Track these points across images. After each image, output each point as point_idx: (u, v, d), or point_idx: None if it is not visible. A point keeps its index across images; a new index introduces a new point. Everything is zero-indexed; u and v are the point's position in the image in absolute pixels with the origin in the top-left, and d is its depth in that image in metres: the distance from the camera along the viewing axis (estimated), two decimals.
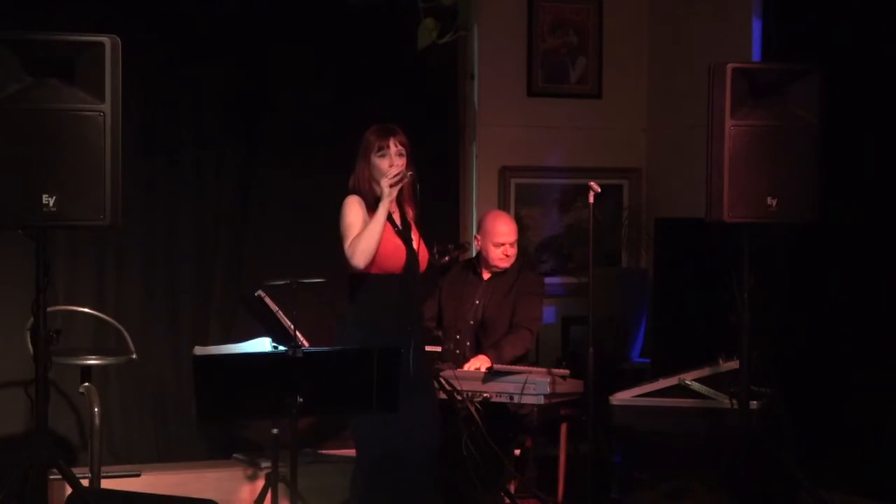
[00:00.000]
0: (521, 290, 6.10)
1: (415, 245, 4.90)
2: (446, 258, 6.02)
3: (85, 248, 6.45)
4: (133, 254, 6.56)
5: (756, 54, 6.66)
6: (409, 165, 4.85)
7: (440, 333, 6.08)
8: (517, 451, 6.08)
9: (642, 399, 5.67)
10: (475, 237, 6.29)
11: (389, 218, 4.84)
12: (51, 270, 4.77)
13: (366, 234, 4.74)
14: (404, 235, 4.88)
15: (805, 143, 5.23)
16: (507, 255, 6.11)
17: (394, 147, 4.84)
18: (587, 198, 5.68)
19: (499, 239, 6.05)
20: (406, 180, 4.83)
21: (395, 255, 4.82)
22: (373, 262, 4.78)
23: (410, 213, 4.99)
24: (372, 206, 4.84)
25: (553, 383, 5.71)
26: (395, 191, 4.79)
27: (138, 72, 5.98)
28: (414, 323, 4.89)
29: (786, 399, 5.71)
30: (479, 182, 7.26)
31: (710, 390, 5.55)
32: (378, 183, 4.83)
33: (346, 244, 4.78)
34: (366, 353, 4.41)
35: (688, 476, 5.58)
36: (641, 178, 7.59)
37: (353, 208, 4.84)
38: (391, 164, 4.82)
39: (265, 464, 5.98)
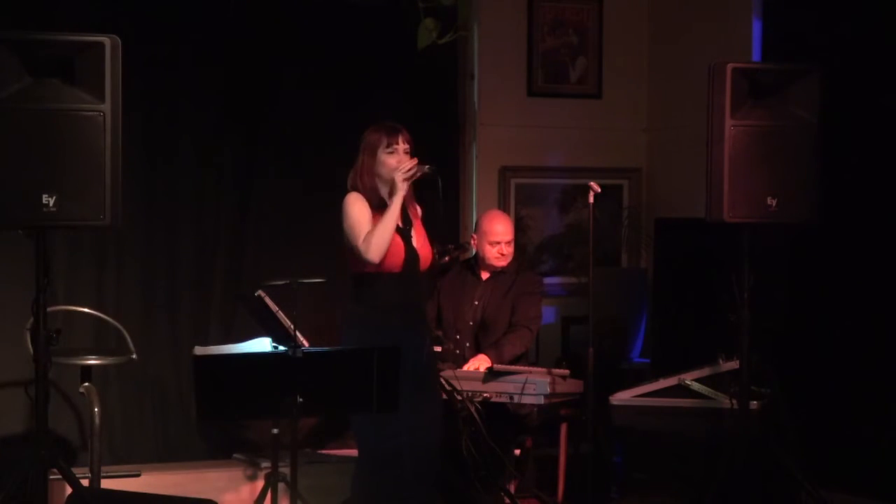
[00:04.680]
0: (520, 290, 6.11)
1: (415, 243, 4.89)
2: (446, 258, 6.02)
3: (85, 248, 6.45)
4: (133, 254, 6.55)
5: (756, 54, 6.66)
6: (424, 162, 4.85)
7: (440, 333, 6.09)
8: (517, 451, 6.08)
9: (642, 399, 5.67)
10: (472, 236, 6.29)
11: None
12: (51, 270, 4.77)
13: (380, 228, 4.74)
14: (404, 233, 4.88)
15: (805, 143, 5.23)
16: (503, 255, 6.11)
17: (402, 144, 4.85)
18: (587, 198, 5.69)
19: (494, 238, 6.05)
20: (421, 173, 4.82)
21: (394, 252, 4.81)
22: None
23: (418, 212, 4.98)
24: (373, 202, 4.83)
25: (553, 383, 5.71)
26: (407, 185, 4.79)
27: (138, 72, 6.00)
28: (416, 321, 4.89)
29: (786, 399, 5.71)
30: (479, 182, 7.27)
31: (710, 390, 5.55)
32: (382, 179, 4.84)
33: (359, 241, 4.77)
34: (366, 353, 4.41)
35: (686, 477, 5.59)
36: (641, 178, 7.59)
37: (357, 205, 4.83)
38: (399, 161, 4.82)
39: (265, 464, 5.98)
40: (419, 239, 4.93)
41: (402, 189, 4.77)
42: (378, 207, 4.83)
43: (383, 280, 4.82)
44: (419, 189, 5.00)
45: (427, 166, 4.83)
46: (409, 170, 4.79)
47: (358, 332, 4.86)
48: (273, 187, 6.79)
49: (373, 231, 4.75)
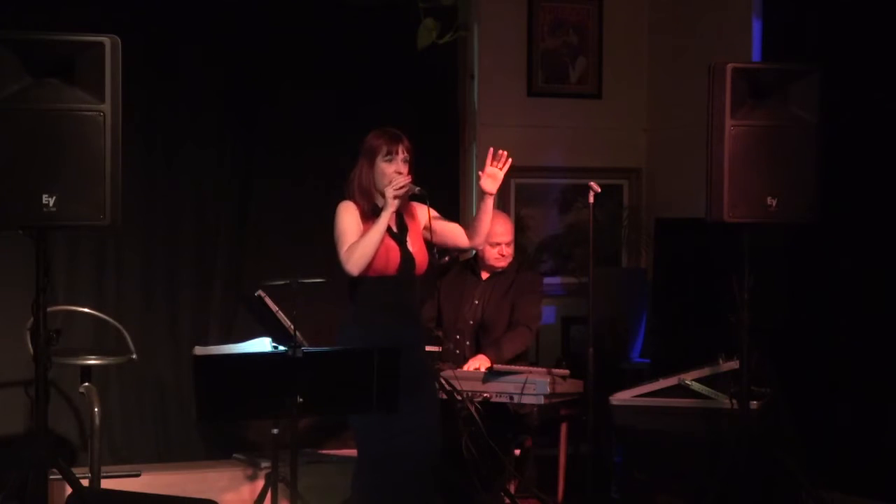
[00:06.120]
0: (520, 289, 6.11)
1: (411, 248, 4.89)
2: (447, 258, 6.03)
3: (85, 248, 6.45)
4: (133, 254, 6.56)
5: (756, 54, 6.66)
6: (413, 177, 4.86)
7: (440, 333, 6.08)
8: (517, 451, 6.08)
9: (642, 399, 5.68)
10: None
11: None
12: (51, 270, 4.77)
13: (363, 242, 4.75)
14: (398, 238, 4.88)
15: (805, 143, 5.23)
16: (503, 255, 6.11)
17: (402, 153, 4.85)
18: (587, 198, 5.69)
19: (494, 239, 6.05)
20: (411, 192, 4.84)
21: (387, 256, 4.82)
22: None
23: (415, 216, 4.98)
24: (366, 210, 4.84)
25: (553, 383, 5.71)
26: (397, 202, 4.80)
27: (138, 72, 6.00)
28: (412, 323, 4.89)
29: (786, 399, 5.71)
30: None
31: (710, 390, 5.55)
32: (377, 186, 4.83)
33: (342, 251, 4.79)
34: (366, 353, 4.41)
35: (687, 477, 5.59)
36: (641, 178, 7.59)
37: (347, 215, 4.84)
38: (397, 170, 4.83)
39: (265, 464, 5.99)
40: (415, 244, 4.92)
41: (391, 205, 4.78)
42: (371, 214, 4.83)
43: (378, 283, 4.83)
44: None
45: (418, 188, 4.84)
46: (402, 187, 4.80)
47: (352, 332, 4.86)
48: (273, 187, 6.80)
49: (356, 244, 4.76)
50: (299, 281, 5.21)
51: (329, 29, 6.85)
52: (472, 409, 5.57)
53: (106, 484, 5.62)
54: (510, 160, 4.99)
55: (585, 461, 5.67)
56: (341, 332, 4.95)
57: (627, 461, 6.14)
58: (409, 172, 4.86)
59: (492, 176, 4.96)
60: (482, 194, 4.98)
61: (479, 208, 5.02)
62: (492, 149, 5.01)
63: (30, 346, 5.13)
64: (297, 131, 6.81)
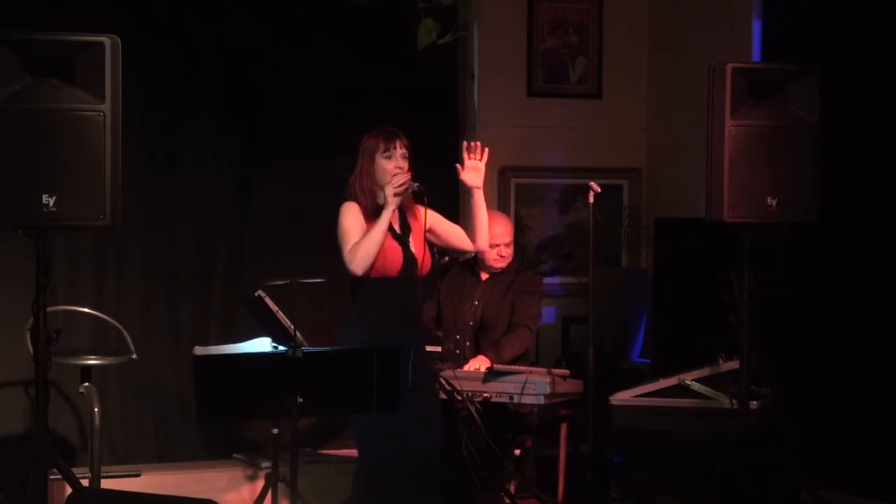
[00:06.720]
0: (519, 290, 6.11)
1: (413, 248, 4.89)
2: (447, 258, 6.03)
3: (85, 248, 6.45)
4: (133, 254, 6.56)
5: (756, 54, 6.66)
6: (415, 179, 4.86)
7: (440, 334, 6.09)
8: (517, 451, 6.08)
9: (642, 399, 5.67)
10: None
11: None
12: (51, 270, 4.77)
13: (365, 242, 4.75)
14: (401, 239, 4.88)
15: (805, 143, 5.23)
16: (503, 256, 6.11)
17: (399, 149, 4.86)
18: (587, 198, 5.69)
19: (493, 240, 6.02)
20: (411, 190, 4.84)
21: (391, 257, 4.82)
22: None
23: (418, 216, 4.98)
24: (370, 210, 4.84)
25: (553, 383, 5.71)
26: (398, 200, 4.80)
27: (138, 72, 6.00)
28: (413, 324, 4.89)
29: (786, 399, 5.71)
30: None
31: (710, 390, 5.55)
32: (380, 185, 4.84)
33: (345, 251, 4.79)
34: (366, 353, 4.42)
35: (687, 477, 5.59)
36: (641, 178, 7.59)
37: (350, 215, 4.84)
38: (396, 166, 4.83)
39: (265, 464, 5.99)
40: (418, 245, 4.93)
41: (392, 203, 4.78)
42: (375, 214, 4.83)
43: (381, 284, 4.83)
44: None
45: (416, 184, 4.84)
46: (401, 185, 4.80)
47: (351, 332, 4.86)
48: (273, 187, 6.80)
49: (359, 243, 4.76)
50: (299, 281, 5.21)
51: (329, 29, 6.85)
52: (472, 409, 5.57)
53: (106, 484, 5.62)
54: (486, 150, 4.95)
55: (585, 461, 5.67)
56: (342, 333, 4.96)
57: (627, 461, 6.14)
58: (409, 170, 4.86)
59: (474, 168, 4.94)
60: (469, 191, 4.97)
61: (471, 206, 5.00)
62: (465, 142, 4.99)
63: (30, 346, 5.13)
64: (297, 131, 6.80)
